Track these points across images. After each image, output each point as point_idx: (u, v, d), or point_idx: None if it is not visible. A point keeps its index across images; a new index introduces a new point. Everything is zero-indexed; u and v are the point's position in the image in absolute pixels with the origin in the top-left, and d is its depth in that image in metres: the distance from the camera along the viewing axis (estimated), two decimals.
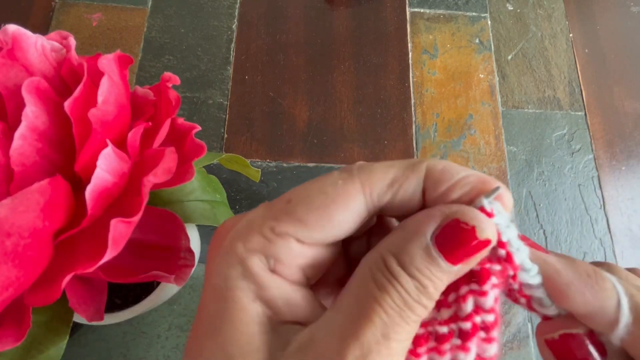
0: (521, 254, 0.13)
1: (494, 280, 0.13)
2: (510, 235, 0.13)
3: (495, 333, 0.13)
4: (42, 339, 0.21)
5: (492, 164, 0.49)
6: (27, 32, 0.21)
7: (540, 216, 0.47)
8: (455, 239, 0.12)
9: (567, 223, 0.47)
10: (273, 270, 0.13)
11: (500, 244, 0.13)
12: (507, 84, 0.53)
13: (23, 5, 0.50)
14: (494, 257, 0.13)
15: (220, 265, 0.13)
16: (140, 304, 0.30)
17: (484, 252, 0.13)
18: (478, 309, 0.13)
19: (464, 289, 0.13)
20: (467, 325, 0.13)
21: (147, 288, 0.31)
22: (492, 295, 0.13)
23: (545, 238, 0.46)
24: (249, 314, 0.13)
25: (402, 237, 0.13)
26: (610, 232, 0.47)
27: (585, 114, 0.52)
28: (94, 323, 0.26)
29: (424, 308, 0.12)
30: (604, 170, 0.50)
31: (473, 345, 0.13)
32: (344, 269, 0.16)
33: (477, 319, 0.13)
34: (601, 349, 0.14)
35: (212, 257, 0.14)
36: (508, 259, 0.13)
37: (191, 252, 0.23)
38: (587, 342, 0.14)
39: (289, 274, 0.13)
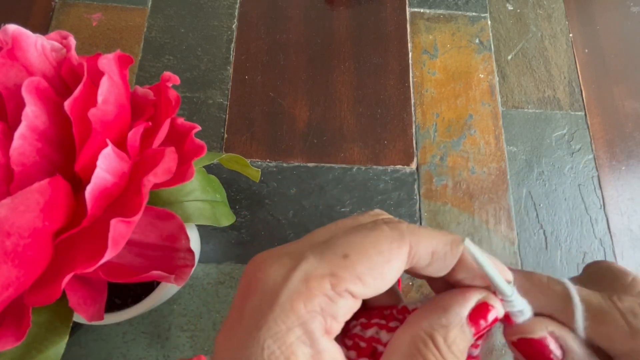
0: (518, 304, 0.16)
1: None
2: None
3: None
4: (42, 339, 0.21)
5: (492, 164, 0.49)
6: (27, 32, 0.21)
7: (540, 216, 0.47)
8: (480, 314, 0.15)
9: (567, 223, 0.47)
10: (327, 331, 0.13)
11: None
12: (507, 84, 0.53)
13: (23, 5, 0.50)
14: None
15: (276, 326, 0.12)
16: (140, 304, 0.30)
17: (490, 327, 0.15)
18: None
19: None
20: None
21: (147, 288, 0.31)
22: (479, 349, 0.17)
23: (545, 238, 0.46)
24: None
25: (446, 318, 0.15)
26: (610, 232, 0.47)
27: (585, 114, 0.52)
28: (94, 323, 0.26)
29: None
30: (604, 170, 0.50)
31: None
32: None
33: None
34: (561, 347, 0.16)
35: (260, 312, 0.13)
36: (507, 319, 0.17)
37: (191, 252, 0.23)
38: (547, 343, 0.16)
39: (337, 330, 0.14)
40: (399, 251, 0.14)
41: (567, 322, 0.15)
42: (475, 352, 0.16)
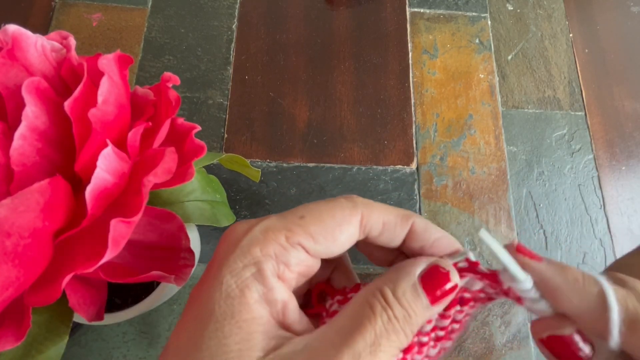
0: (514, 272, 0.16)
1: (457, 307, 0.17)
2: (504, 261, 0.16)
3: (440, 343, 0.17)
4: (42, 339, 0.21)
5: (492, 164, 0.49)
6: (27, 32, 0.21)
7: (540, 216, 0.47)
8: (434, 279, 0.15)
9: (567, 223, 0.47)
10: (280, 276, 0.15)
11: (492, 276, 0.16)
12: (507, 84, 0.53)
13: (23, 5, 0.50)
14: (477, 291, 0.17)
15: (235, 264, 0.15)
16: (140, 304, 0.30)
17: (452, 296, 0.16)
18: (435, 327, 0.17)
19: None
20: (424, 339, 0.17)
21: (147, 288, 0.31)
22: (450, 320, 0.17)
23: (545, 238, 0.46)
24: (253, 313, 0.14)
25: (396, 275, 0.16)
26: (610, 232, 0.47)
27: (585, 114, 0.52)
28: (94, 323, 0.26)
29: (405, 336, 0.15)
30: (604, 170, 0.50)
31: (426, 350, 0.17)
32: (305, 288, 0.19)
33: (432, 335, 0.17)
34: (589, 344, 0.15)
35: (224, 256, 0.15)
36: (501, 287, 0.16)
37: (191, 252, 0.23)
38: (576, 340, 0.15)
39: (290, 279, 0.16)
40: (350, 218, 0.16)
41: (601, 327, 0.14)
42: (445, 322, 0.17)
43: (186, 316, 0.15)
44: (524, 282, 0.15)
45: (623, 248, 0.47)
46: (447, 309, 0.17)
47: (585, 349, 0.15)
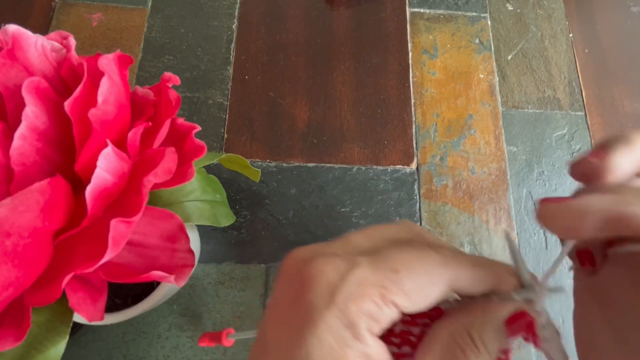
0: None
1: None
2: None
3: None
4: (42, 339, 0.21)
5: (492, 164, 0.49)
6: (27, 32, 0.21)
7: None
8: (518, 323, 0.16)
9: None
10: (369, 331, 0.15)
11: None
12: (507, 84, 0.53)
13: (23, 5, 0.50)
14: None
15: (334, 322, 0.14)
16: (140, 304, 0.30)
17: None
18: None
19: None
20: None
21: (147, 288, 0.31)
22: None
23: (545, 238, 0.46)
24: None
25: (482, 317, 0.16)
26: None
27: (585, 114, 0.52)
28: (94, 323, 0.26)
29: None
30: None
31: None
32: None
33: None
34: (591, 260, 0.17)
35: (317, 306, 0.15)
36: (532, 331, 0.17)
37: (191, 252, 0.23)
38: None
39: (377, 333, 0.15)
40: (443, 276, 0.16)
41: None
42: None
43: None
44: (532, 287, 0.17)
45: None
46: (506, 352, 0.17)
47: None
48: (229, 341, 0.33)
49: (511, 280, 0.17)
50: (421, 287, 0.15)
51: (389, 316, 0.15)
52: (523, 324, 0.16)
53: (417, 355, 0.16)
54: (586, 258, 0.18)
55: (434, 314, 0.18)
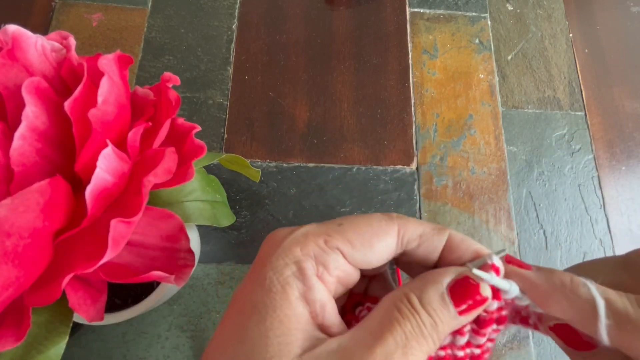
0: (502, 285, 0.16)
1: (493, 326, 0.17)
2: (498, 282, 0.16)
3: None
4: (42, 339, 0.21)
5: (492, 164, 0.49)
6: (27, 32, 0.21)
7: (540, 216, 0.47)
8: (464, 291, 0.16)
9: (567, 223, 0.47)
10: (319, 277, 0.16)
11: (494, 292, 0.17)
12: (507, 84, 0.53)
13: (23, 5, 0.50)
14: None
15: (277, 262, 0.15)
16: (140, 304, 0.30)
17: (481, 308, 0.16)
18: (469, 343, 0.17)
19: (466, 327, 0.17)
20: (460, 353, 0.17)
21: (147, 288, 0.31)
22: (485, 338, 0.17)
23: (545, 238, 0.46)
24: (293, 310, 0.15)
25: (423, 283, 0.16)
26: (610, 232, 0.47)
27: (585, 114, 0.52)
28: (94, 323, 0.26)
29: (433, 343, 0.15)
30: (604, 170, 0.50)
31: None
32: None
33: (467, 350, 0.17)
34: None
35: (266, 255, 0.16)
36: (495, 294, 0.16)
37: (191, 252, 0.23)
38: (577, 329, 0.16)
39: (329, 282, 0.16)
40: (387, 228, 0.17)
41: (592, 327, 0.15)
42: (481, 340, 0.17)
43: (229, 311, 0.16)
44: (510, 290, 0.16)
45: (623, 248, 0.47)
46: (483, 326, 0.16)
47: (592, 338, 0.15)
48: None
49: (465, 245, 0.17)
50: (364, 236, 0.16)
51: (336, 262, 0.16)
52: (468, 290, 0.16)
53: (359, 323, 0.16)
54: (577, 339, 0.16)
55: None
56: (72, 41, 0.23)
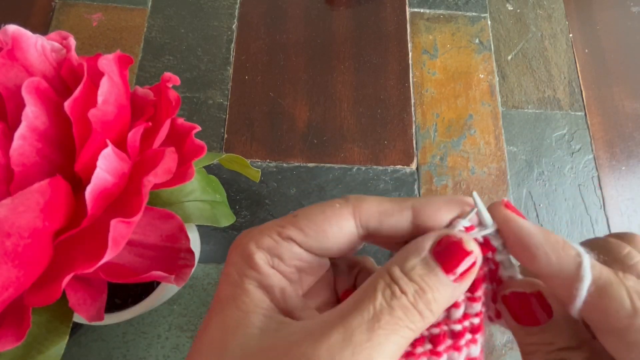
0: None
1: (483, 287, 0.16)
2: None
3: (479, 335, 0.16)
4: (42, 339, 0.21)
5: (492, 164, 0.49)
6: (27, 32, 0.21)
7: (540, 216, 0.47)
8: (447, 250, 0.15)
9: (567, 223, 0.47)
10: (274, 267, 0.16)
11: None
12: (507, 84, 0.53)
13: (23, 5, 0.50)
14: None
15: (235, 258, 0.16)
16: (140, 304, 0.30)
17: (475, 268, 0.15)
18: (467, 314, 0.16)
19: (460, 297, 0.16)
20: (457, 327, 0.16)
21: (147, 288, 0.31)
22: (481, 302, 0.16)
23: None
24: (250, 297, 0.15)
25: (404, 253, 0.15)
26: (610, 232, 0.47)
27: (585, 114, 0.52)
28: (94, 323, 0.26)
29: (418, 313, 0.14)
30: (604, 170, 0.50)
31: (463, 345, 0.16)
32: (330, 296, 0.19)
33: (466, 323, 0.16)
34: (547, 309, 0.16)
35: (229, 256, 0.17)
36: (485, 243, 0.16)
37: (191, 252, 0.23)
38: (534, 300, 0.16)
39: (288, 271, 0.16)
40: (340, 211, 0.16)
41: (568, 291, 0.15)
42: (478, 306, 0.16)
43: (208, 309, 0.17)
44: (490, 227, 0.16)
45: None
46: (475, 289, 0.16)
47: (543, 313, 0.16)
48: None
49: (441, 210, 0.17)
50: (316, 223, 0.16)
51: (289, 251, 0.16)
52: (452, 249, 0.15)
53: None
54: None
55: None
56: (72, 41, 0.23)
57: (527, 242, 0.15)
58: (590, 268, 0.14)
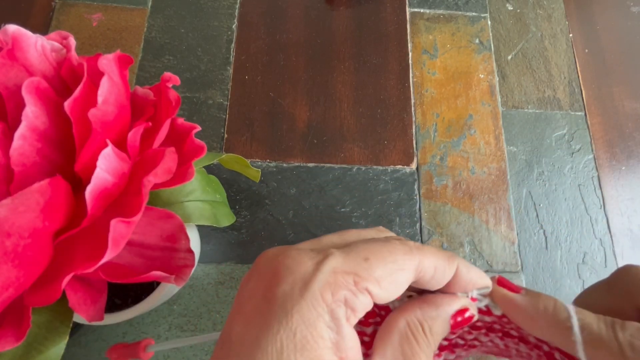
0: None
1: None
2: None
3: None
4: (42, 339, 0.21)
5: (492, 164, 0.49)
6: (27, 32, 0.21)
7: (540, 216, 0.47)
8: (461, 317, 0.18)
9: (567, 223, 0.47)
10: (348, 321, 0.15)
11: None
12: (507, 84, 0.53)
13: (23, 5, 0.50)
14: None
15: (308, 314, 0.14)
16: (140, 304, 0.30)
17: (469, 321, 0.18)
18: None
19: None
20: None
21: (147, 288, 0.31)
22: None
23: (545, 238, 0.46)
24: None
25: (435, 313, 0.17)
26: (610, 232, 0.47)
27: (585, 114, 0.52)
28: (94, 323, 0.26)
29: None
30: (604, 170, 0.50)
31: None
32: None
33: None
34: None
35: (291, 296, 0.14)
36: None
37: (191, 252, 0.23)
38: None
39: (353, 323, 0.15)
40: (410, 263, 0.16)
41: (569, 348, 0.16)
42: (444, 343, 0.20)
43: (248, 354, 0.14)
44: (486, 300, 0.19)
45: (623, 248, 0.47)
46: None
47: None
48: (147, 354, 0.27)
49: (472, 277, 0.18)
50: (390, 273, 0.16)
51: (363, 304, 0.15)
52: (465, 316, 0.18)
53: (375, 341, 0.17)
54: None
55: (385, 314, 0.18)
56: (72, 41, 0.23)
57: (522, 315, 0.17)
58: (579, 330, 0.16)
